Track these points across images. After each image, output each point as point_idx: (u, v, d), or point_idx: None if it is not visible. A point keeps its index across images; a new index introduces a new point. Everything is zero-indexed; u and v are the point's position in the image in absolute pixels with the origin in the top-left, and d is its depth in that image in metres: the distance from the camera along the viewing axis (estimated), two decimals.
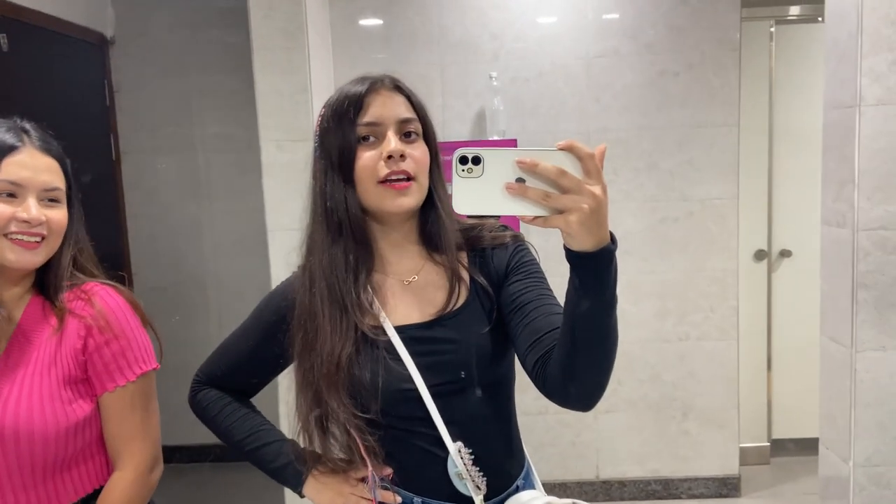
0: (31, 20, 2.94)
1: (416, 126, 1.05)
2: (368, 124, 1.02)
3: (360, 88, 1.03)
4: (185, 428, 3.75)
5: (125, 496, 1.16)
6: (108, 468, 1.20)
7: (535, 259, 1.11)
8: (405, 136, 1.03)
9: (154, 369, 1.21)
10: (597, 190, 0.78)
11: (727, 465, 3.14)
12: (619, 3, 2.98)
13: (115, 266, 4.20)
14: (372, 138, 1.02)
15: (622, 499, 3.14)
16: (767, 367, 3.40)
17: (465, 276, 1.09)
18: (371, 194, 1.03)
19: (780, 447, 3.42)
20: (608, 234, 0.82)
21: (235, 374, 1.20)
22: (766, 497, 3.14)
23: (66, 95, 3.25)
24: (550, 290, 1.07)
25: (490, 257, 1.10)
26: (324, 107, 1.08)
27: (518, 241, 1.12)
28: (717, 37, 2.96)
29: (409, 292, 1.08)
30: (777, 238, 3.37)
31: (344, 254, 1.05)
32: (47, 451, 1.10)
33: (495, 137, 2.95)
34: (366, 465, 1.07)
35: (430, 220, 1.08)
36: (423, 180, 1.05)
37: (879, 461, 1.85)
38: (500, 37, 3.00)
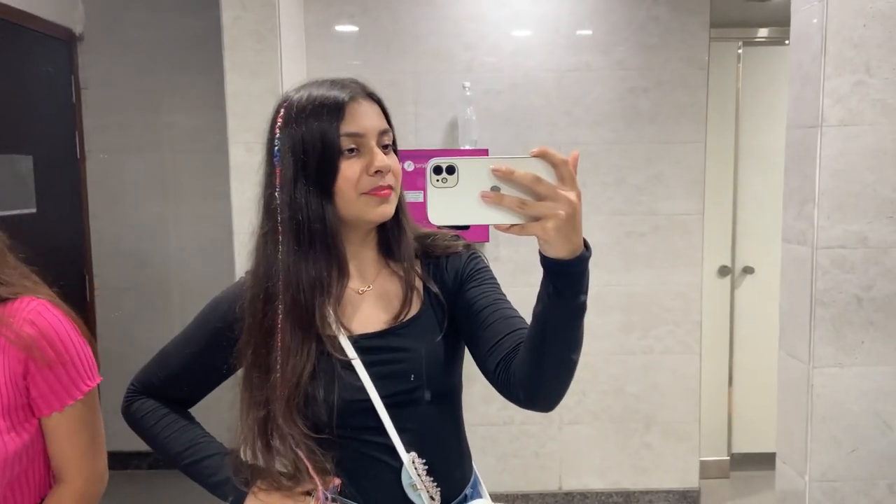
0: None
1: (391, 136, 1.04)
2: (352, 135, 0.98)
3: (341, 95, 0.99)
4: None
5: None
6: (50, 480, 1.14)
7: (488, 266, 1.11)
8: (383, 147, 1.02)
9: (98, 383, 1.15)
10: (572, 196, 0.78)
11: (687, 479, 3.17)
12: (591, 20, 3.02)
13: (77, 266, 4.12)
14: (356, 150, 0.99)
15: None
16: (729, 381, 3.46)
17: (419, 284, 1.08)
18: (353, 205, 1.00)
19: (739, 461, 3.47)
20: (582, 241, 0.82)
21: (175, 383, 1.14)
22: None
23: (31, 91, 3.19)
24: (504, 295, 1.08)
25: (444, 266, 1.10)
26: (283, 107, 1.02)
27: (471, 249, 1.13)
28: (686, 56, 3.02)
29: (364, 301, 1.07)
30: (740, 254, 3.43)
31: (316, 268, 1.00)
32: None
33: (467, 147, 2.97)
34: (313, 481, 1.02)
35: (390, 229, 1.07)
36: (398, 188, 1.04)
37: (834, 476, 1.88)
38: (473, 48, 3.02)
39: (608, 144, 3.07)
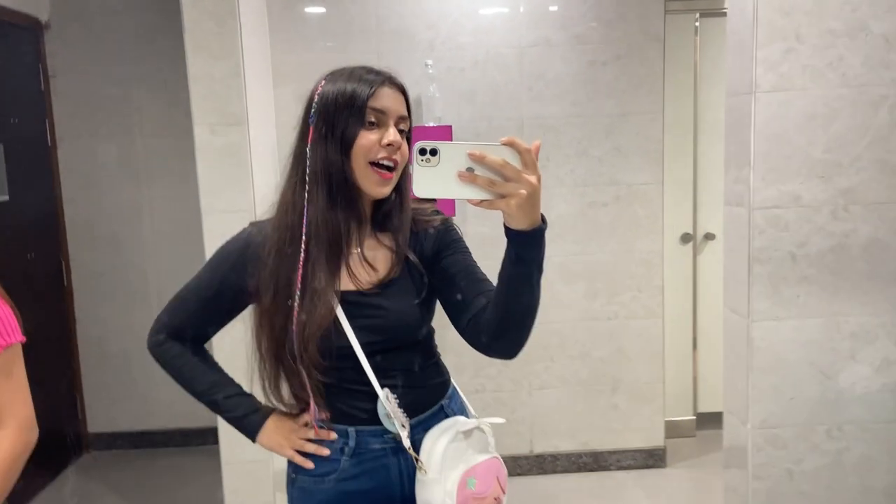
0: None
1: (408, 125, 1.19)
2: (376, 110, 1.14)
3: (378, 78, 1.16)
4: (126, 414, 3.77)
5: (13, 449, 1.23)
6: None
7: (462, 237, 1.28)
8: (399, 131, 1.17)
9: (20, 342, 1.26)
10: (533, 179, 0.95)
11: (654, 438, 3.30)
12: None
13: (53, 252, 4.16)
14: (376, 123, 1.15)
15: (554, 471, 3.28)
16: (693, 344, 3.58)
17: (402, 252, 1.24)
18: (360, 172, 1.15)
19: (704, 420, 3.60)
20: (540, 216, 1.00)
21: (194, 322, 1.30)
22: (689, 467, 3.31)
23: None
24: (475, 262, 1.25)
25: (422, 239, 1.25)
26: (329, 81, 1.17)
27: (447, 223, 1.28)
28: (642, 28, 3.10)
29: (351, 261, 1.21)
30: (701, 222, 3.54)
31: (343, 218, 1.17)
32: None
33: (431, 124, 3.04)
34: (309, 406, 1.22)
35: (393, 204, 1.23)
36: (400, 172, 1.19)
37: (775, 423, 2.00)
38: (435, 26, 3.08)
39: (570, 118, 3.15)
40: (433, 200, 1.23)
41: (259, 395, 1.30)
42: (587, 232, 3.20)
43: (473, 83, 3.12)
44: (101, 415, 3.76)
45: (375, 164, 1.15)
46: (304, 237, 1.15)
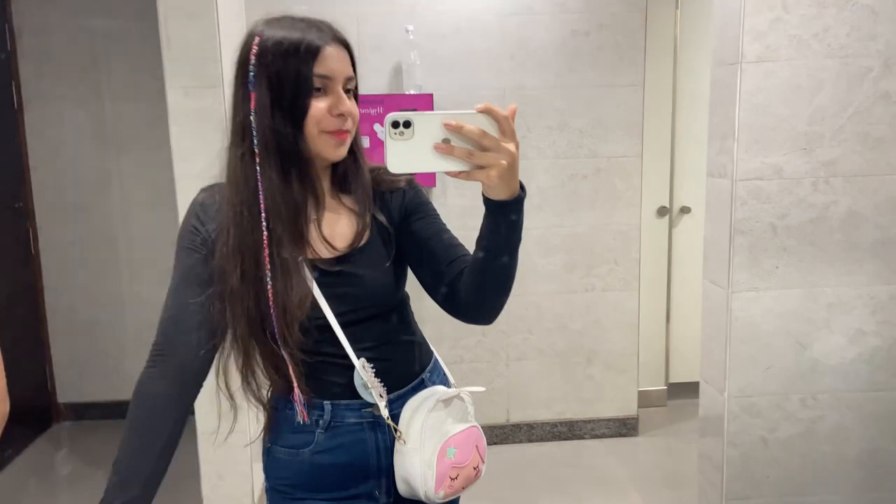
0: None
1: (354, 83, 1.11)
2: (322, 76, 1.05)
3: (318, 38, 1.05)
4: (97, 384, 3.71)
5: None
6: None
7: (429, 200, 1.23)
8: (346, 92, 1.09)
9: None
10: (511, 147, 0.92)
11: (627, 407, 3.34)
12: None
13: (20, 219, 4.06)
14: (322, 90, 1.06)
15: (530, 440, 3.31)
16: (666, 316, 3.61)
17: (369, 215, 1.17)
18: (314, 141, 1.08)
19: (676, 390, 3.66)
20: (519, 184, 0.97)
21: (181, 330, 1.12)
22: (661, 435, 3.36)
23: None
24: (445, 225, 1.20)
25: (388, 199, 1.20)
26: (259, 36, 1.06)
27: (412, 185, 1.23)
28: None
29: (317, 229, 1.15)
30: (678, 195, 3.56)
31: (299, 193, 1.09)
32: None
33: (412, 92, 2.99)
34: (286, 385, 1.14)
35: (348, 165, 1.16)
36: (353, 133, 1.13)
37: (751, 392, 2.03)
38: None
39: (551, 89, 3.12)
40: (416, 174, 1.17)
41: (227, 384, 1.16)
42: (567, 204, 3.20)
43: (454, 50, 3.07)
44: (70, 385, 3.70)
45: (326, 132, 1.08)
46: (263, 213, 1.07)
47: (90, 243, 3.61)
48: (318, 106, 1.06)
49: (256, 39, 1.07)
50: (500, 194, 0.95)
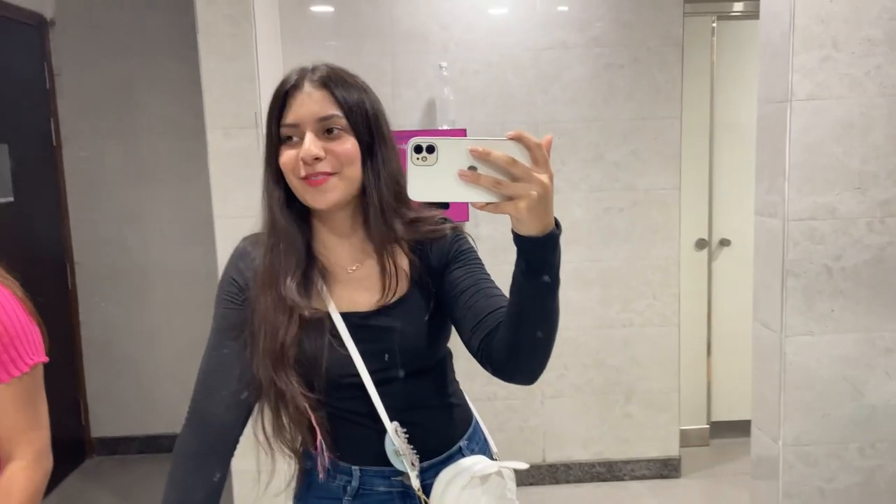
0: None
1: (338, 121, 1.04)
2: (289, 125, 1.04)
3: (285, 86, 1.05)
4: (130, 418, 3.71)
5: (31, 483, 1.16)
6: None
7: (473, 247, 1.15)
8: (327, 132, 1.03)
9: (43, 362, 1.21)
10: (544, 178, 0.82)
11: (668, 447, 3.25)
12: None
13: (57, 253, 4.10)
14: (295, 138, 1.04)
15: (568, 481, 3.23)
16: (707, 352, 3.53)
17: (406, 266, 1.11)
18: (297, 189, 1.05)
19: (718, 429, 3.55)
20: (553, 220, 0.86)
21: (219, 385, 1.11)
22: (705, 477, 3.26)
23: (3, 79, 3.14)
24: (488, 274, 1.11)
25: (430, 249, 1.13)
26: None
27: (457, 231, 1.15)
28: (661, 32, 3.04)
29: (352, 280, 1.11)
30: (717, 228, 3.49)
31: (277, 245, 1.08)
32: None
33: (445, 127, 2.98)
34: (315, 440, 1.09)
35: (366, 210, 1.10)
36: (350, 172, 1.05)
37: (807, 441, 1.95)
38: (450, 28, 3.02)
39: (586, 122, 3.09)
40: (440, 205, 1.11)
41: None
42: (602, 237, 3.15)
43: (487, 86, 3.06)
44: (104, 419, 3.70)
45: (304, 179, 1.04)
46: (280, 266, 1.07)
47: (125, 278, 3.63)
48: (288, 153, 1.03)
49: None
50: (530, 229, 0.84)
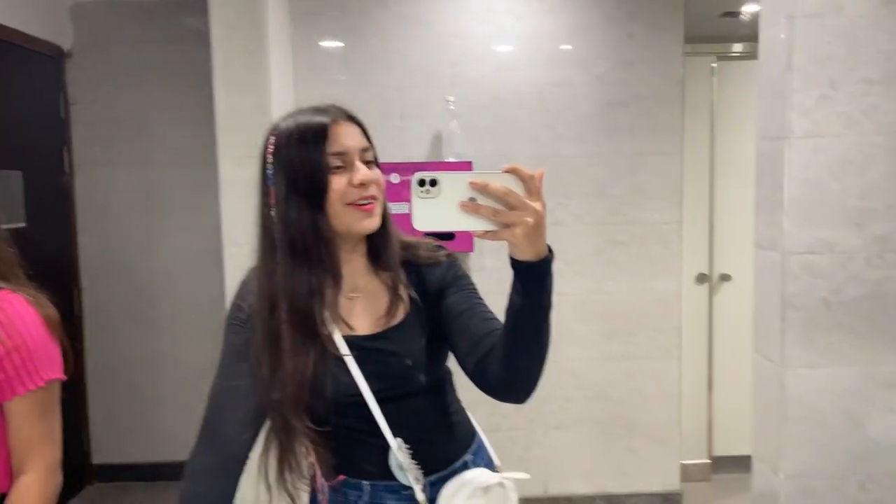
0: None
1: (373, 153, 1.14)
2: (338, 154, 1.08)
3: (324, 119, 1.09)
4: (132, 445, 3.71)
5: (43, 498, 1.19)
6: (10, 476, 1.21)
7: (467, 273, 1.22)
8: (366, 163, 1.11)
9: (60, 379, 1.24)
10: (537, 206, 0.90)
11: (669, 482, 3.24)
12: (572, 36, 3.11)
13: (65, 279, 4.13)
14: (342, 167, 1.09)
15: None
16: (708, 386, 3.54)
17: (404, 291, 1.18)
18: (341, 217, 1.09)
19: (720, 464, 3.54)
20: (546, 246, 0.94)
21: (227, 409, 1.15)
22: None
23: (20, 107, 3.22)
24: (482, 299, 1.18)
25: (426, 274, 1.19)
26: (274, 134, 1.11)
27: (451, 258, 1.22)
28: (662, 71, 3.12)
29: (355, 306, 1.16)
30: (718, 262, 3.53)
31: (314, 276, 1.10)
32: None
33: (451, 160, 3.04)
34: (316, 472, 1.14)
35: (378, 238, 1.16)
36: (383, 198, 1.14)
37: (808, 473, 1.96)
38: (458, 64, 3.10)
39: (589, 157, 3.15)
40: (441, 236, 1.17)
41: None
42: (605, 271, 3.19)
43: (494, 120, 3.13)
44: (106, 446, 3.70)
45: (353, 203, 1.09)
46: (281, 298, 1.09)
47: (132, 304, 3.66)
48: (339, 180, 1.08)
49: (272, 138, 1.12)
50: (525, 254, 0.92)
